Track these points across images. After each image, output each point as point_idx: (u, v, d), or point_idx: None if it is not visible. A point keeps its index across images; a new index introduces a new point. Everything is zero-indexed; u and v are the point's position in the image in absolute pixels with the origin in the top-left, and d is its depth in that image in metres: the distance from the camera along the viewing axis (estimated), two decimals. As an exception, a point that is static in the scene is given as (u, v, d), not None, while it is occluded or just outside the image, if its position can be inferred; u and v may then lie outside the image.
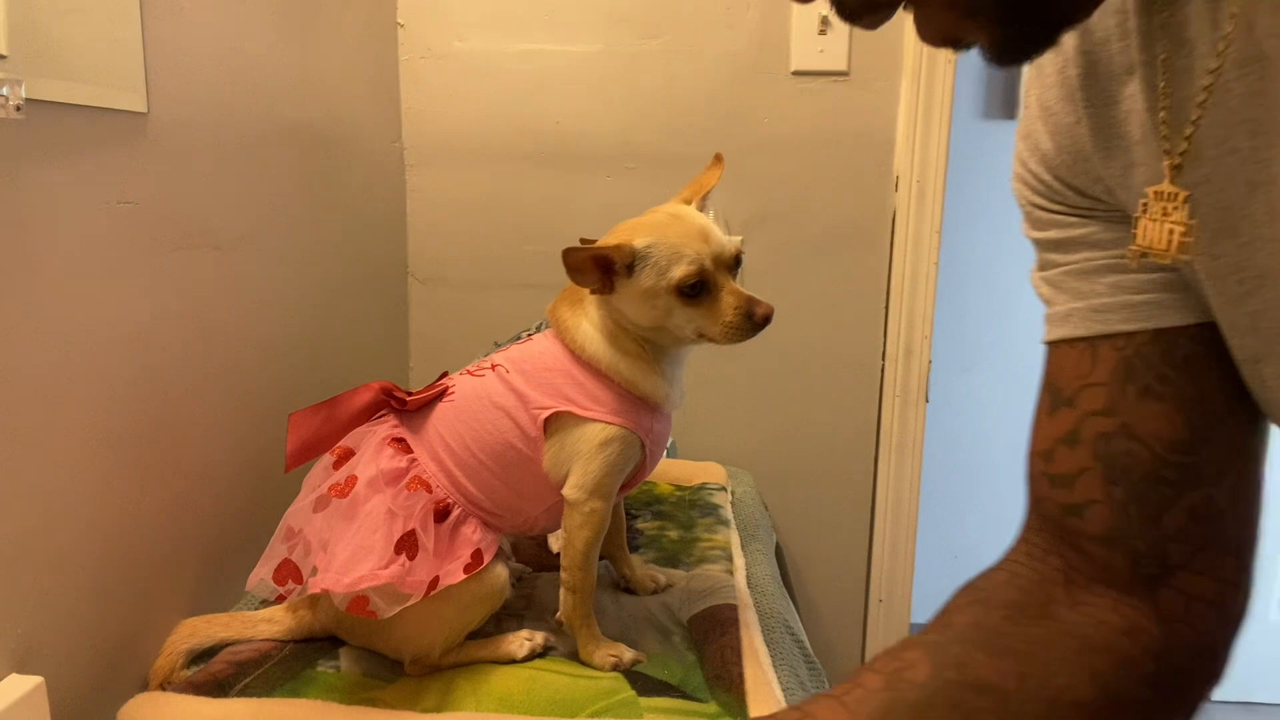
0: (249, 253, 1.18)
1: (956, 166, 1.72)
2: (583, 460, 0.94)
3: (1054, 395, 0.55)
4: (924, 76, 1.64)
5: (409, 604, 0.87)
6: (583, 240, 1.07)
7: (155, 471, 0.99)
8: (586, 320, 0.97)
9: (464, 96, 1.74)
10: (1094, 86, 0.49)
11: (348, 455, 0.95)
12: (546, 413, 0.94)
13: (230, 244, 1.13)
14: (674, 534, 1.31)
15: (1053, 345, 0.55)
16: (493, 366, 0.99)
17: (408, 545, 0.88)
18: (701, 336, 0.93)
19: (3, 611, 0.78)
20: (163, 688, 0.92)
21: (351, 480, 0.92)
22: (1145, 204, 0.46)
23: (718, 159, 1.04)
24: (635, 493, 1.48)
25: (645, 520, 1.37)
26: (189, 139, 1.03)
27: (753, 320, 0.91)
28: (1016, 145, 0.57)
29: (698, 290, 0.90)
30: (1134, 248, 0.47)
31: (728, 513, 1.42)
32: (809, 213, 1.73)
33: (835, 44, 1.64)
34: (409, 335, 1.83)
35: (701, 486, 1.52)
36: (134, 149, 0.94)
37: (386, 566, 0.86)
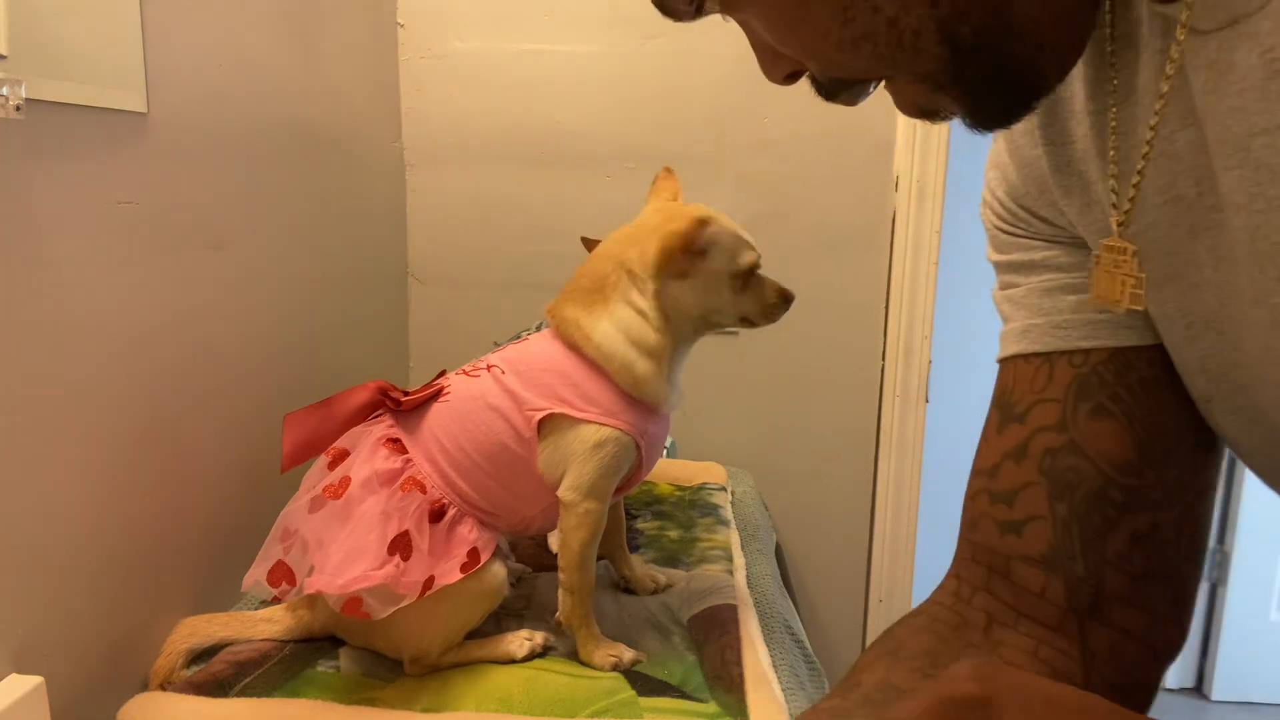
0: (249, 253, 1.18)
1: (956, 166, 1.72)
2: (577, 462, 0.94)
3: (1004, 412, 0.54)
4: (924, 76, 1.64)
5: (403, 605, 0.87)
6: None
7: (155, 471, 0.99)
8: (608, 320, 0.96)
9: (464, 96, 1.74)
10: (1052, 125, 0.49)
11: (343, 456, 0.95)
12: (540, 414, 0.94)
13: (230, 244, 1.13)
14: (674, 534, 1.31)
15: (1006, 362, 0.55)
16: (488, 367, 0.99)
17: (401, 546, 0.88)
18: (744, 320, 1.01)
19: (3, 611, 0.78)
20: (163, 688, 0.92)
21: (346, 481, 0.92)
22: (1098, 256, 0.47)
23: (667, 171, 1.09)
24: (635, 493, 1.48)
25: (645, 520, 1.37)
26: (189, 139, 1.03)
27: (786, 301, 1.02)
28: (986, 174, 0.57)
29: (749, 281, 0.99)
30: (1092, 299, 0.48)
31: (728, 513, 1.42)
32: (809, 213, 1.73)
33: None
34: (409, 335, 1.83)
35: (701, 486, 1.52)
36: (134, 149, 0.94)
37: (381, 567, 0.86)
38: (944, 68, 0.43)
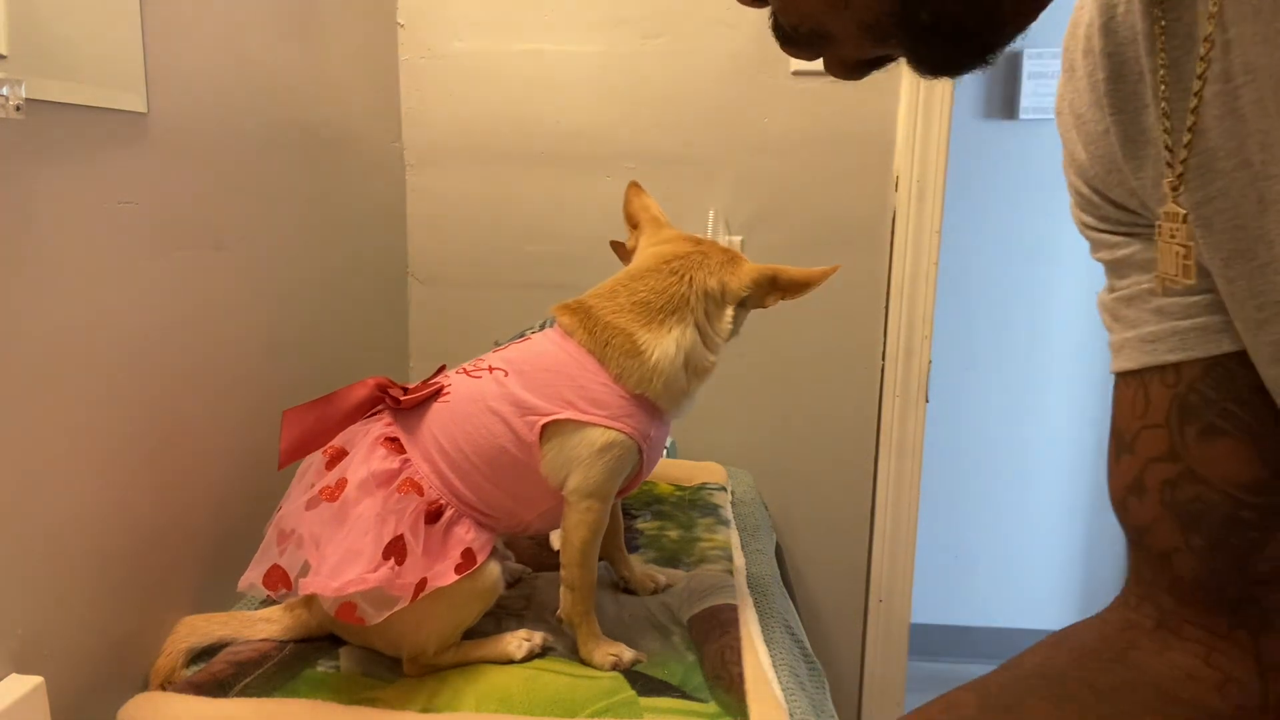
0: (249, 252, 1.18)
1: (956, 166, 1.72)
2: (583, 466, 0.94)
3: (1118, 439, 0.50)
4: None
5: (397, 609, 0.87)
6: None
7: (156, 471, 0.99)
8: (673, 340, 0.97)
9: (464, 96, 1.74)
10: (1120, 91, 0.46)
11: (340, 455, 0.95)
12: (544, 420, 0.94)
13: (230, 244, 1.13)
14: (674, 534, 1.31)
15: (1116, 378, 0.51)
16: (490, 368, 0.98)
17: (397, 550, 0.88)
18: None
19: (3, 611, 0.78)
20: (163, 687, 0.92)
21: (342, 483, 0.91)
22: (1158, 226, 0.43)
23: (634, 186, 1.11)
24: (635, 492, 1.48)
25: (645, 520, 1.37)
26: (189, 139, 1.03)
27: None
28: (1065, 173, 0.53)
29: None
30: (1157, 275, 0.44)
31: (728, 513, 1.42)
32: (809, 213, 1.73)
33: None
34: (409, 335, 1.83)
35: (701, 486, 1.52)
36: (134, 149, 0.94)
37: (375, 570, 0.86)
38: (892, 11, 0.40)
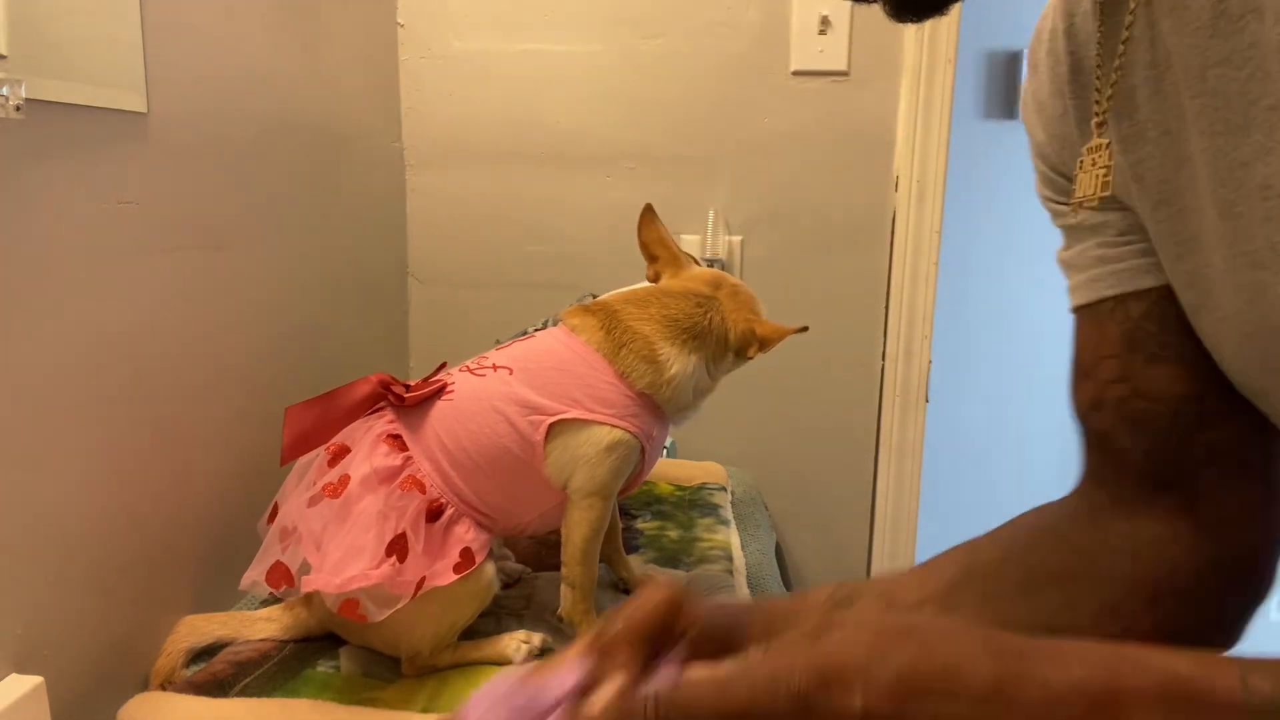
0: (249, 253, 1.18)
1: (956, 166, 1.72)
2: (588, 464, 0.95)
3: (1079, 366, 0.62)
4: (924, 76, 1.64)
5: (398, 606, 0.87)
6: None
7: (155, 471, 0.99)
8: (693, 360, 1.00)
9: (464, 96, 1.74)
10: (1078, 81, 0.56)
11: (343, 453, 0.95)
12: (550, 419, 0.94)
13: (230, 244, 1.13)
14: (674, 534, 1.31)
15: (1075, 315, 0.62)
16: (494, 366, 0.98)
17: (399, 548, 0.88)
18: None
19: (3, 611, 0.78)
20: (163, 687, 0.92)
21: (345, 480, 0.91)
22: (1080, 161, 0.54)
23: (648, 213, 1.11)
24: (635, 492, 1.48)
25: (645, 520, 1.37)
26: (189, 139, 1.03)
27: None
28: (1031, 158, 0.62)
29: None
30: (1073, 200, 0.55)
31: (728, 513, 1.42)
32: (809, 213, 1.73)
33: (835, 44, 1.64)
34: (409, 335, 1.83)
35: (701, 486, 1.52)
36: (134, 149, 0.94)
37: (378, 567, 0.86)
38: None
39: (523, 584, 1.15)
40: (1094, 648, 0.38)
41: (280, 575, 0.92)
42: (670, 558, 1.23)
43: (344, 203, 1.50)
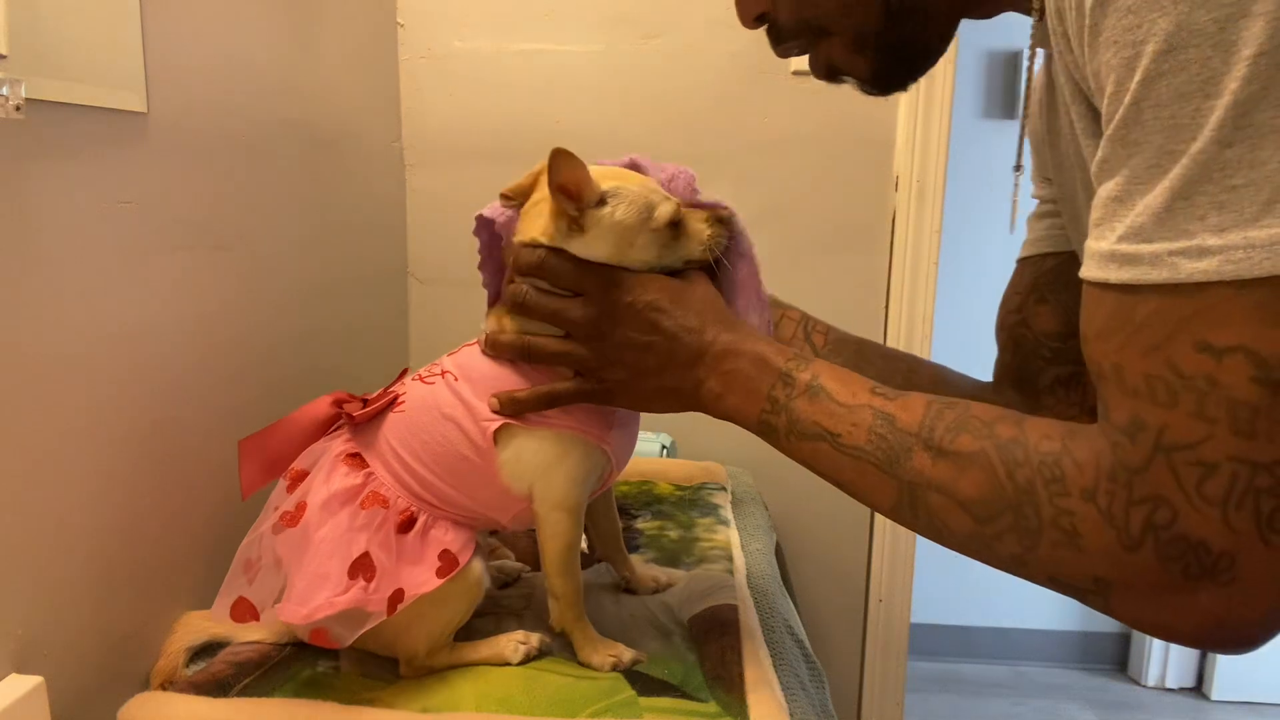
0: (249, 253, 1.18)
1: (956, 166, 1.72)
2: (542, 475, 0.91)
3: (1002, 299, 0.87)
4: (924, 76, 1.64)
5: (369, 625, 0.86)
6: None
7: (155, 470, 0.99)
8: None
9: (464, 96, 1.74)
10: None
11: (301, 477, 0.93)
12: (495, 425, 0.90)
13: (230, 244, 1.13)
14: (674, 534, 1.32)
15: (1016, 264, 0.87)
16: (443, 373, 0.96)
17: (364, 568, 0.86)
18: (687, 262, 0.91)
19: (3, 611, 0.78)
20: (163, 688, 0.92)
21: (301, 507, 0.89)
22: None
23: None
24: (635, 493, 1.48)
25: (645, 520, 1.37)
26: (189, 139, 1.04)
27: (723, 221, 0.93)
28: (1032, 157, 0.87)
29: (677, 227, 0.91)
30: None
31: (728, 513, 1.42)
32: (809, 213, 1.73)
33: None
34: (409, 335, 1.83)
35: (701, 486, 1.52)
36: (134, 149, 0.94)
37: (345, 592, 0.84)
38: (877, 28, 0.68)
39: (522, 583, 1.15)
40: (751, 331, 0.76)
41: (245, 610, 0.89)
42: (670, 558, 1.23)
43: (344, 203, 1.50)
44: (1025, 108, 0.75)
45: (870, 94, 0.78)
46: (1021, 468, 0.54)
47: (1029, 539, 0.54)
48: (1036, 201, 0.89)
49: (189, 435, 1.05)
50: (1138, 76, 0.47)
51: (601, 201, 0.90)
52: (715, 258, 0.92)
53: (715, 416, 0.77)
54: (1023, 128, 0.75)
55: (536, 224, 0.91)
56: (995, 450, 0.56)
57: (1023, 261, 0.84)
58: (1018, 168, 0.76)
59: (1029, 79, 0.71)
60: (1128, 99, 0.47)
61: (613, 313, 0.78)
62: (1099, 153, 0.51)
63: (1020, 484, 0.54)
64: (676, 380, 0.78)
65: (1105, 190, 0.50)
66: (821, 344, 0.98)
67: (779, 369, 0.73)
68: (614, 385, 0.82)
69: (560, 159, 0.91)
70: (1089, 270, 0.51)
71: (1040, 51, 0.67)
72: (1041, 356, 0.77)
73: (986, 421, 0.58)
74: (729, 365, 0.74)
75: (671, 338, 0.76)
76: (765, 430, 0.75)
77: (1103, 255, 0.50)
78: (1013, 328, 0.83)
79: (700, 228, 0.93)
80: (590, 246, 0.88)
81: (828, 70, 0.76)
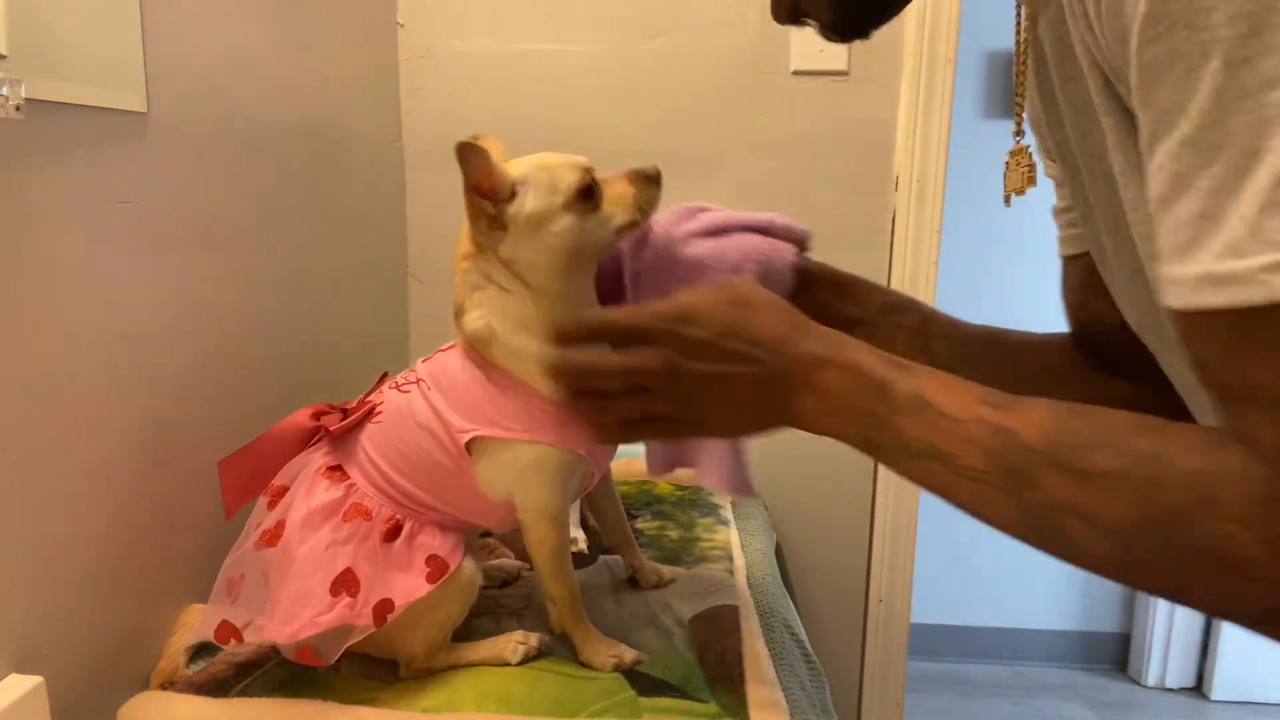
0: (249, 252, 1.18)
1: (956, 166, 1.72)
2: (520, 485, 0.90)
3: (1063, 292, 0.85)
4: (924, 76, 1.64)
5: (355, 639, 0.85)
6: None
7: (155, 471, 0.99)
8: (478, 314, 0.88)
9: (464, 96, 1.74)
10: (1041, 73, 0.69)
11: (281, 494, 0.92)
12: (467, 436, 0.89)
13: (230, 244, 1.13)
14: (674, 534, 1.32)
15: (1063, 260, 0.83)
16: (417, 381, 0.95)
17: (347, 583, 0.85)
18: (619, 231, 0.89)
19: (3, 611, 0.78)
20: (164, 687, 0.93)
21: (281, 525, 0.89)
22: (1007, 163, 0.78)
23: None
24: (635, 492, 1.48)
25: (645, 520, 1.37)
26: (189, 139, 1.04)
27: (649, 178, 0.90)
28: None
29: (592, 194, 0.88)
30: (1006, 193, 0.80)
31: (728, 513, 1.42)
32: (809, 213, 1.71)
33: (835, 44, 1.64)
34: (409, 335, 1.83)
35: (701, 486, 1.52)
36: (134, 149, 0.94)
37: (329, 610, 0.84)
38: None
39: (521, 582, 1.15)
40: (840, 338, 0.67)
41: (228, 631, 0.89)
42: (670, 557, 1.23)
43: (344, 202, 1.50)
44: (1018, 79, 0.71)
45: (830, 39, 0.77)
46: (1167, 489, 0.48)
47: (1182, 570, 0.48)
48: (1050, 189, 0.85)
49: (189, 435, 1.05)
50: (1215, 64, 0.41)
51: (513, 194, 0.87)
52: (648, 231, 0.87)
53: (817, 434, 0.70)
54: (1018, 85, 0.72)
55: (463, 236, 0.86)
56: (1136, 468, 0.49)
57: (1068, 259, 0.81)
58: (1018, 132, 0.74)
59: (1018, 42, 0.69)
60: (1203, 95, 0.42)
61: (685, 350, 0.69)
62: (1162, 166, 0.45)
63: (1168, 507, 0.48)
64: (768, 404, 0.71)
65: (1185, 209, 0.44)
66: (944, 351, 0.88)
67: (876, 380, 0.64)
68: (703, 418, 0.73)
69: (465, 153, 0.83)
70: (1182, 298, 0.45)
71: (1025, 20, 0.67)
72: (1122, 343, 0.71)
73: (1122, 433, 0.51)
74: (819, 379, 0.66)
75: (753, 361, 0.68)
76: (871, 448, 0.67)
77: (1198, 279, 0.44)
78: (1085, 324, 0.83)
79: (623, 190, 0.88)
80: (516, 247, 0.86)
81: (790, 12, 0.75)
